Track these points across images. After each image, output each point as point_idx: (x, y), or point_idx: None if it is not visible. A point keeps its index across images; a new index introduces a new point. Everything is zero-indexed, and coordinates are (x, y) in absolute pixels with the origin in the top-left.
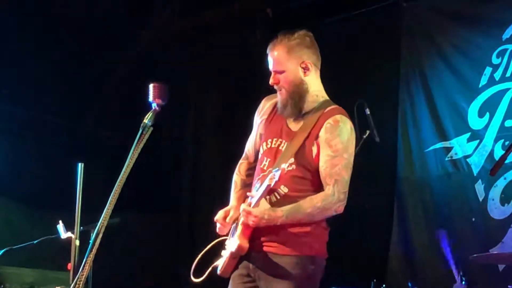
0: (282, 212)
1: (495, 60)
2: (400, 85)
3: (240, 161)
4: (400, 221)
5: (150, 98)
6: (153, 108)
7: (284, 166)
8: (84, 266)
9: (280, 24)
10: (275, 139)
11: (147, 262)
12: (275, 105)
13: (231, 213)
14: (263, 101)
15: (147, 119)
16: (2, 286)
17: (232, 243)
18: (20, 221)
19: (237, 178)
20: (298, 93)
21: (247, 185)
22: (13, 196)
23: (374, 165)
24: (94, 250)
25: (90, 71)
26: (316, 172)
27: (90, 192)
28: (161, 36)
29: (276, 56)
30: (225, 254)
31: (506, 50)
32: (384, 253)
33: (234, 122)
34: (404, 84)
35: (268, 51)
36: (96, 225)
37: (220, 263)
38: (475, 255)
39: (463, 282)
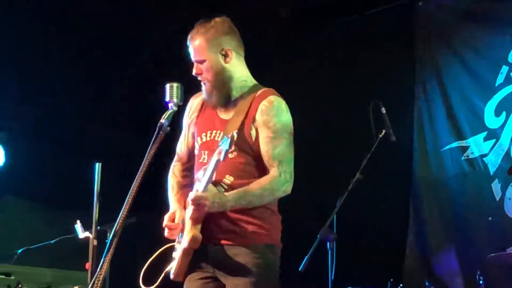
0: (231, 195)
1: (511, 58)
2: (416, 84)
3: (173, 163)
4: (416, 221)
5: (167, 98)
6: (170, 108)
7: (231, 134)
8: (102, 265)
9: (293, 24)
10: (209, 132)
11: (164, 262)
12: (202, 102)
13: (177, 215)
14: (190, 100)
15: (164, 119)
16: (20, 285)
17: (183, 240)
18: (37, 221)
19: (173, 181)
20: (221, 81)
21: (184, 186)
22: (30, 196)
23: (390, 164)
24: (112, 250)
25: (107, 70)
26: (258, 157)
27: (106, 191)
28: (175, 36)
29: (195, 46)
30: (177, 254)
31: None
32: (401, 252)
33: None
34: (420, 84)
35: (188, 41)
36: (113, 225)
37: (172, 266)
38: (492, 254)
39: (480, 282)
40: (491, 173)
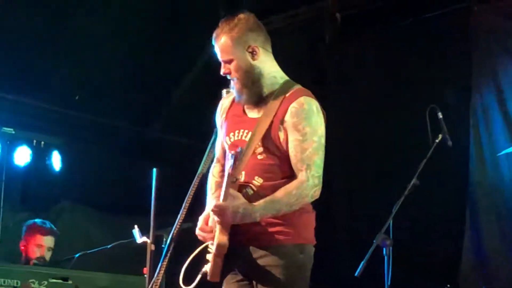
0: (259, 205)
1: None
2: (472, 88)
3: (213, 164)
4: (472, 226)
5: None
6: None
7: (234, 150)
8: (159, 270)
9: (349, 28)
10: (236, 131)
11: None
12: (232, 102)
13: (211, 217)
14: (220, 102)
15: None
16: None
17: (213, 244)
18: (94, 226)
19: (211, 181)
20: (251, 79)
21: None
22: (86, 202)
23: (446, 169)
24: (169, 255)
25: (161, 76)
26: (286, 158)
27: (162, 197)
28: None
29: (221, 46)
30: (210, 257)
31: None
32: (457, 257)
33: None
34: (476, 88)
35: (213, 41)
36: (170, 230)
37: (208, 268)
38: None
39: None
40: None
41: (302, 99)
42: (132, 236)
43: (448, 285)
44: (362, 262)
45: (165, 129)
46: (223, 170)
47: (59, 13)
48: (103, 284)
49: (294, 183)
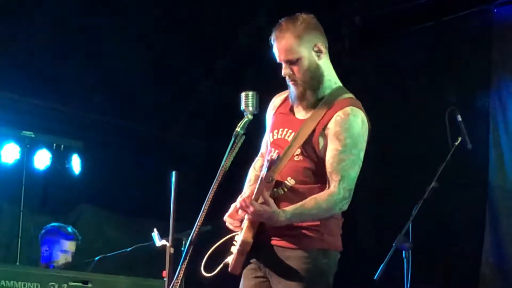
0: (285, 214)
1: None
2: (492, 91)
3: (256, 158)
4: (492, 230)
5: (242, 107)
6: (245, 116)
7: (266, 164)
8: (178, 274)
9: (368, 32)
10: (281, 129)
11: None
12: (284, 99)
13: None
14: (273, 99)
15: (239, 128)
16: None
17: (238, 239)
18: (113, 229)
19: (251, 173)
20: (316, 80)
21: None
22: (106, 205)
23: (466, 172)
24: (188, 258)
25: (182, 79)
26: (322, 164)
27: (181, 200)
28: (250, 45)
29: (285, 45)
30: (234, 250)
31: None
32: (477, 261)
33: None
34: (496, 91)
35: (273, 40)
36: (189, 233)
37: (230, 260)
38: None
39: None
40: None
41: (349, 109)
42: (151, 239)
43: None
44: (382, 265)
45: (185, 132)
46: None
47: (78, 16)
48: (122, 287)
49: (324, 194)
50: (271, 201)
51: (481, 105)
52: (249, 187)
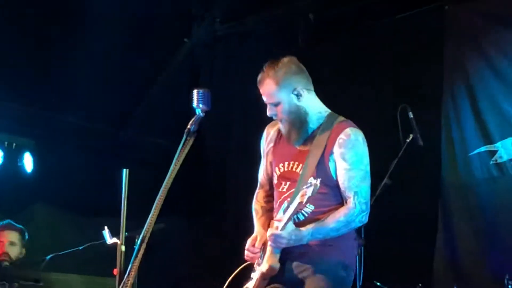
0: (307, 231)
1: None
2: (444, 88)
3: (256, 190)
4: (445, 226)
5: (194, 104)
6: (197, 113)
7: (315, 181)
8: (129, 271)
9: (322, 29)
10: (286, 162)
11: (193, 267)
12: (278, 131)
13: (258, 239)
14: (266, 129)
15: (191, 125)
16: None
17: (263, 265)
18: (65, 227)
19: (256, 206)
20: (298, 119)
21: (267, 211)
22: (58, 203)
23: (418, 169)
24: (140, 256)
25: (134, 77)
26: (336, 187)
27: (135, 198)
28: (204, 43)
29: (266, 90)
30: (255, 275)
31: None
32: (430, 257)
33: None
34: (448, 88)
35: (258, 84)
36: (141, 231)
37: (250, 285)
38: None
39: (510, 286)
40: None
41: (348, 130)
42: (103, 237)
43: (420, 285)
44: None
45: (137, 131)
46: (266, 196)
47: (36, 19)
48: (74, 286)
49: (342, 210)
50: (289, 223)
51: (434, 102)
52: (258, 219)
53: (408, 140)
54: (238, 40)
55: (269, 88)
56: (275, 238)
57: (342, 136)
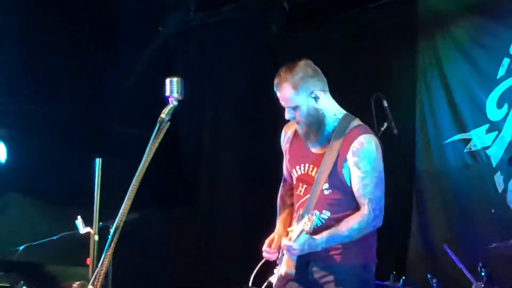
0: (321, 239)
1: None
2: (418, 77)
3: (281, 183)
4: (419, 214)
5: (167, 93)
6: (170, 102)
7: (316, 214)
8: (103, 261)
9: (296, 18)
10: (302, 165)
11: (167, 257)
12: (295, 132)
13: (275, 240)
14: (283, 130)
15: (164, 114)
16: (22, 282)
17: (281, 267)
18: (39, 217)
19: (279, 201)
20: (317, 121)
21: (289, 206)
22: (31, 193)
23: (392, 157)
24: (113, 245)
25: (108, 67)
26: (351, 193)
27: (110, 187)
28: (179, 31)
29: (284, 95)
30: (277, 273)
31: None
32: (404, 245)
33: (252, 115)
34: (422, 76)
35: (275, 88)
36: (115, 221)
37: (273, 281)
38: (493, 245)
39: (483, 273)
40: (494, 165)
41: (362, 138)
42: (76, 227)
43: (394, 272)
44: None
45: (110, 120)
46: (290, 189)
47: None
48: (48, 275)
49: (356, 217)
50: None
51: (408, 91)
52: (280, 216)
53: (382, 129)
54: (213, 29)
55: (287, 93)
56: (288, 248)
57: (355, 144)
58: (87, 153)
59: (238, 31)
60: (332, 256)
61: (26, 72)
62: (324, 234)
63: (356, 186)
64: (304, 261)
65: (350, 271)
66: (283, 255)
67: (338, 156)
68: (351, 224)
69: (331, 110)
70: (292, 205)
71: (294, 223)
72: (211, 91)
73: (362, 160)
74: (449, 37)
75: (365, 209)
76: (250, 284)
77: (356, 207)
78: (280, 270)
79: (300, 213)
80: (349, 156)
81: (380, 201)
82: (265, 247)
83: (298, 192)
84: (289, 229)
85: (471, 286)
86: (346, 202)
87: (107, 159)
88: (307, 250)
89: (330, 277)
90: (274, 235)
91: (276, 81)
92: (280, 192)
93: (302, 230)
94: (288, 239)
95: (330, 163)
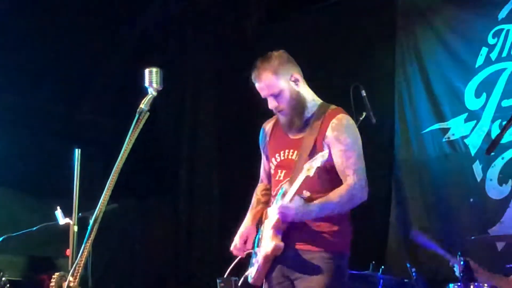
0: (315, 205)
1: (491, 40)
2: (396, 66)
3: (258, 184)
4: (398, 203)
5: (146, 83)
6: (149, 93)
7: (322, 153)
8: (82, 252)
9: (274, 7)
10: (282, 152)
11: (146, 247)
12: (273, 125)
13: (244, 234)
14: (262, 128)
15: (143, 104)
16: (1, 273)
17: (266, 247)
18: (18, 209)
19: (253, 199)
20: (300, 105)
21: (262, 203)
22: (10, 184)
23: (371, 147)
24: (92, 236)
25: (86, 57)
26: (332, 171)
27: (89, 178)
28: (157, 21)
29: (265, 82)
30: (257, 260)
31: (502, 30)
32: (383, 235)
33: (231, 105)
34: (400, 66)
35: (254, 80)
36: (94, 211)
37: (252, 271)
38: (473, 237)
39: (462, 262)
40: (472, 155)
41: (340, 116)
42: (55, 218)
43: (373, 262)
44: None
45: (89, 110)
46: (264, 189)
47: None
48: (27, 266)
49: (344, 187)
50: (297, 197)
51: (387, 80)
52: (251, 211)
53: (361, 118)
54: (191, 19)
55: (268, 79)
56: (283, 209)
57: (334, 120)
58: (66, 143)
59: (215, 22)
60: (314, 243)
61: (4, 62)
62: (317, 202)
63: (340, 160)
64: (287, 246)
65: (327, 257)
66: (260, 239)
67: (318, 135)
68: (340, 192)
69: (309, 96)
70: (266, 202)
71: (278, 197)
72: (189, 81)
73: (342, 133)
74: (427, 27)
75: (351, 180)
76: (225, 276)
77: (337, 185)
78: (266, 249)
79: (283, 188)
80: (329, 132)
81: (364, 173)
82: (237, 241)
83: (277, 178)
84: (268, 209)
85: (450, 274)
86: (328, 181)
87: (86, 149)
88: (301, 214)
89: (312, 262)
90: (244, 229)
91: (254, 74)
92: (256, 190)
93: (296, 193)
94: (281, 201)
95: (310, 143)
